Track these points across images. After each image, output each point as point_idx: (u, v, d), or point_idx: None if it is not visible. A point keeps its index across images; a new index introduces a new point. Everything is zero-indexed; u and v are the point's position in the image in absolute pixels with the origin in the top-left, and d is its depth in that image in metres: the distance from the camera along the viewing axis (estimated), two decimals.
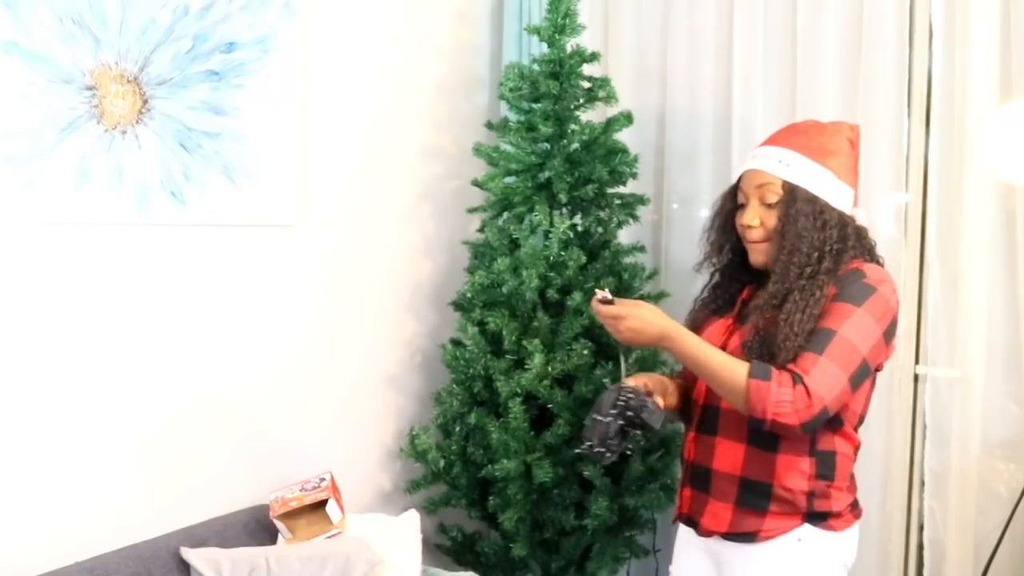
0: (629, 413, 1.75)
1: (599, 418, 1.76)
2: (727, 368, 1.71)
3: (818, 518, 1.80)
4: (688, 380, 2.02)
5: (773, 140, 1.89)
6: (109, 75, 2.05)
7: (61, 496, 2.03)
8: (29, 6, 1.91)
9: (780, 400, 1.64)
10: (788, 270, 1.76)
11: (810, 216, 1.77)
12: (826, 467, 1.80)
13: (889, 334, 1.76)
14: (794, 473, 1.78)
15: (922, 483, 2.46)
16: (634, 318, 1.74)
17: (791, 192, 1.79)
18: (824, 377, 1.66)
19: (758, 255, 1.85)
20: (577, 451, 1.81)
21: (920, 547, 2.47)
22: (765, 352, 1.73)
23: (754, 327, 1.77)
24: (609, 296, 1.78)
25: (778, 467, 1.78)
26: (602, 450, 1.75)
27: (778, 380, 1.66)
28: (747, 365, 1.69)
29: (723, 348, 1.82)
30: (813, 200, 1.78)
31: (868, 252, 1.85)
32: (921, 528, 2.47)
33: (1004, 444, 2.38)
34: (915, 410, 2.48)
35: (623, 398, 1.76)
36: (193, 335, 2.28)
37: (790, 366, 1.68)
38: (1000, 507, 2.34)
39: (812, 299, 1.72)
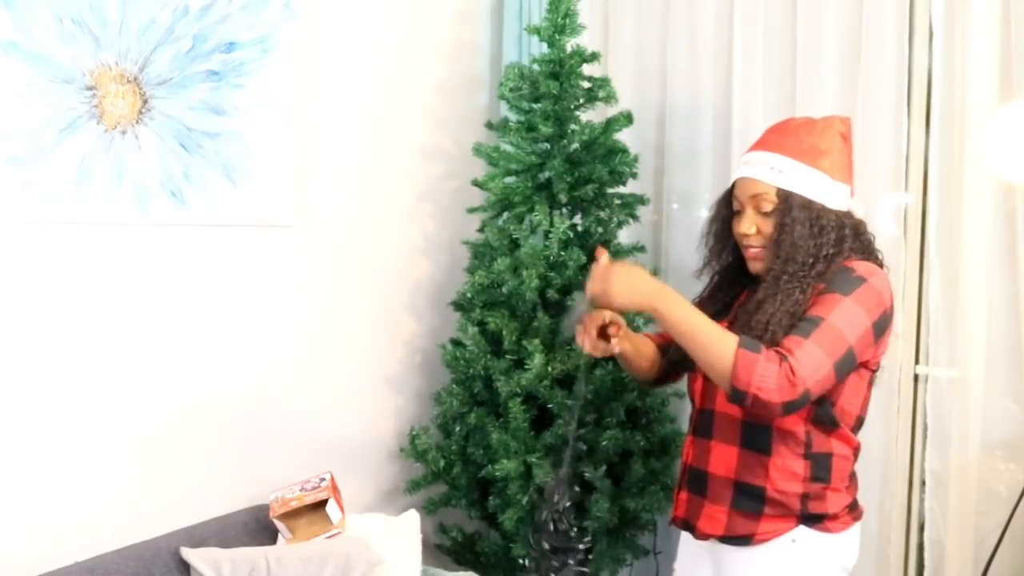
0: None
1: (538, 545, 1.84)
2: (717, 338, 1.67)
3: (813, 520, 1.80)
4: (664, 341, 2.02)
5: (764, 144, 1.85)
6: (109, 75, 2.06)
7: (61, 496, 2.03)
8: (29, 6, 1.91)
9: (765, 375, 1.61)
10: (781, 279, 1.75)
11: (806, 223, 1.75)
12: (822, 469, 1.79)
13: (880, 327, 1.74)
14: (788, 476, 1.78)
15: (922, 483, 2.46)
16: (628, 272, 1.73)
17: (786, 200, 1.77)
18: (808, 359, 1.63)
19: (756, 263, 1.84)
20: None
21: (920, 547, 2.47)
22: None
23: (734, 328, 1.75)
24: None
25: (771, 470, 1.78)
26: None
27: (766, 356, 1.63)
28: (737, 337, 1.67)
29: None
30: (808, 206, 1.76)
31: (865, 248, 1.83)
32: (921, 528, 2.47)
33: (1004, 444, 2.38)
34: (915, 410, 2.48)
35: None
36: (193, 335, 2.28)
37: (775, 348, 1.67)
38: (1000, 507, 2.34)
39: (790, 299, 1.72)
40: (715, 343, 1.67)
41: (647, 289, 1.72)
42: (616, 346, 1.85)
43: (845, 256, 1.78)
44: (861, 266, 1.76)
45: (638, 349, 1.97)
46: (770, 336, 1.69)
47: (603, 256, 1.76)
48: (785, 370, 1.62)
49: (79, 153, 2.01)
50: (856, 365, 1.74)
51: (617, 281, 1.71)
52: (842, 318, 1.68)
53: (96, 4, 2.02)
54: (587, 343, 1.83)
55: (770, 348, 1.66)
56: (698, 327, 1.69)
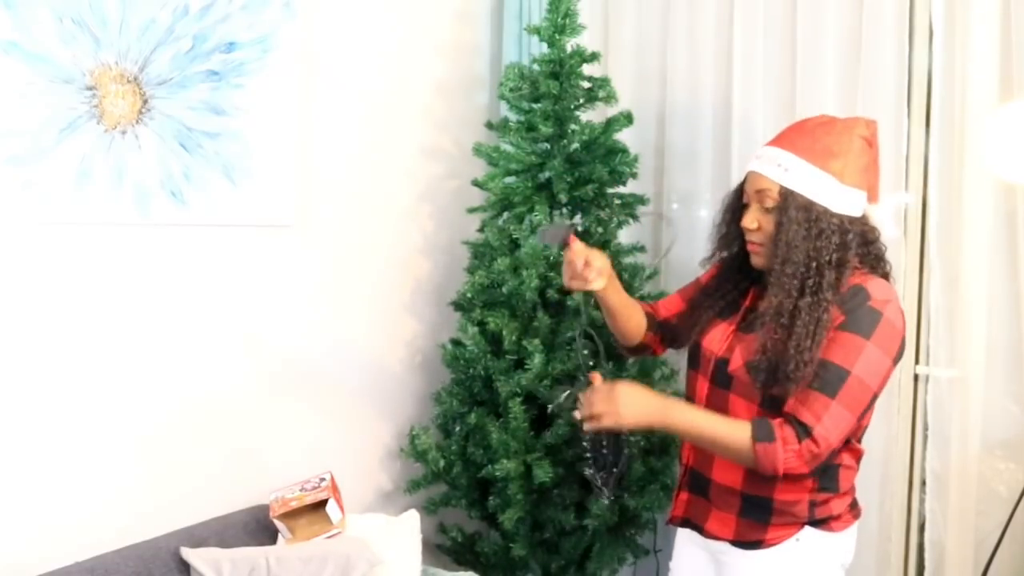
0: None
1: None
2: (731, 436, 1.71)
3: (817, 521, 1.80)
4: (653, 310, 2.06)
5: (779, 140, 1.82)
6: (109, 75, 2.05)
7: (61, 496, 2.03)
8: (29, 6, 1.91)
9: (788, 457, 1.66)
10: (782, 280, 1.72)
11: (803, 224, 1.72)
12: (829, 480, 1.79)
13: (898, 357, 1.74)
14: (796, 487, 1.77)
15: (922, 483, 2.46)
16: (631, 391, 1.73)
17: (786, 199, 1.74)
18: (835, 423, 1.67)
19: (757, 258, 1.83)
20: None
21: (920, 547, 2.47)
22: (771, 378, 1.71)
23: (761, 347, 1.73)
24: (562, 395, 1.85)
25: (779, 483, 1.76)
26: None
27: (783, 439, 1.66)
28: (748, 427, 1.69)
29: (725, 361, 1.82)
30: (808, 207, 1.72)
31: (875, 259, 1.81)
32: (921, 528, 2.48)
33: (1004, 444, 2.38)
34: (915, 410, 2.48)
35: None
36: (193, 335, 2.28)
37: (799, 411, 1.67)
38: (1000, 507, 2.34)
39: (819, 324, 1.69)
40: (730, 442, 1.71)
41: (653, 406, 1.75)
42: (594, 283, 1.83)
43: (854, 263, 1.75)
44: (876, 289, 1.73)
45: (625, 306, 1.98)
46: (801, 373, 1.68)
47: (597, 379, 1.78)
48: (807, 446, 1.66)
49: (79, 153, 2.01)
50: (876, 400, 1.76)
51: (623, 403, 1.72)
52: (865, 368, 1.68)
53: (96, 4, 2.02)
54: (567, 275, 1.84)
55: (785, 420, 1.68)
56: (710, 431, 1.73)
